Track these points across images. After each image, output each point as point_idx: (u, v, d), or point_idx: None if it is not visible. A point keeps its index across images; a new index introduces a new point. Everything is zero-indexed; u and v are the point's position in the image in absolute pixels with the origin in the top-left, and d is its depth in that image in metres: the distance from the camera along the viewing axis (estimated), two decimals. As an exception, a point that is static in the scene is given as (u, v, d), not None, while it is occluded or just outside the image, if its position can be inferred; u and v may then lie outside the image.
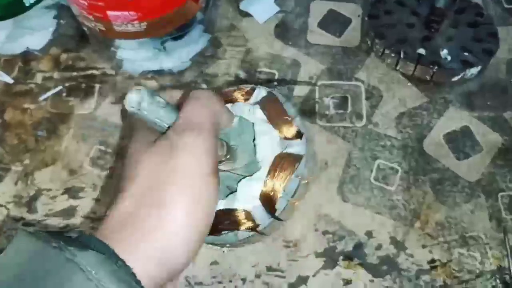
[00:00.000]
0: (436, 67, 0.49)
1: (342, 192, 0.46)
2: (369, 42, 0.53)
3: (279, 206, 0.32)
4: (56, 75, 0.53)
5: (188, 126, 0.26)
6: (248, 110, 0.33)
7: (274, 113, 0.33)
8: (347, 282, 0.42)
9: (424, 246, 0.43)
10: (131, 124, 0.29)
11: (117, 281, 0.21)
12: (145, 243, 0.24)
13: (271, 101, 0.33)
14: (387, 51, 0.51)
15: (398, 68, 0.51)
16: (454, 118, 0.49)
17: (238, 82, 0.52)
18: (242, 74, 0.52)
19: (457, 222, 0.44)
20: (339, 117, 0.49)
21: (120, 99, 0.51)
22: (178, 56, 0.51)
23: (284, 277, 0.42)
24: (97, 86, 0.52)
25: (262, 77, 0.52)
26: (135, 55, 0.51)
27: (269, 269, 0.42)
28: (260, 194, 0.31)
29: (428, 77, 0.50)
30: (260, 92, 0.34)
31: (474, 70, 0.49)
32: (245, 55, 0.53)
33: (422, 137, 0.48)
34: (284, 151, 0.32)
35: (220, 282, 0.42)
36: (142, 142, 0.27)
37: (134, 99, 0.24)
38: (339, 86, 0.51)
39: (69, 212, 0.45)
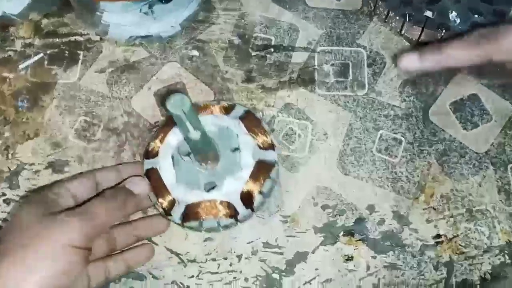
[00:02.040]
0: (444, 31, 0.46)
1: (343, 164, 0.44)
2: (371, 5, 0.50)
3: (256, 202, 0.39)
4: (36, 41, 0.49)
5: (83, 215, 0.34)
6: (233, 123, 0.41)
7: (253, 126, 0.41)
8: (348, 258, 0.40)
9: (428, 221, 0.41)
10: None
11: None
12: None
13: (250, 116, 0.42)
14: (391, 14, 0.48)
15: (403, 32, 0.48)
16: (462, 85, 0.47)
17: (232, 48, 0.49)
18: (236, 40, 0.49)
19: (464, 195, 0.42)
20: (340, 85, 0.47)
21: (107, 67, 0.48)
22: (167, 20, 0.48)
23: (282, 253, 0.41)
24: (81, 53, 0.49)
25: (258, 43, 0.49)
26: (121, 20, 0.48)
27: (266, 245, 0.41)
28: (242, 192, 0.39)
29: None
30: (239, 109, 0.42)
31: (484, 34, 0.46)
32: (239, 20, 0.50)
33: (427, 106, 0.46)
34: (262, 159, 0.40)
35: (214, 260, 0.41)
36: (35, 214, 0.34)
37: (178, 103, 0.30)
38: (339, 52, 0.48)
39: (54, 187, 0.43)
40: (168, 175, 0.40)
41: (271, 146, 0.41)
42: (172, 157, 0.40)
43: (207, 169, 0.40)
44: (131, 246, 0.40)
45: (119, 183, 0.39)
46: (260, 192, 0.39)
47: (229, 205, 0.39)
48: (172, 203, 0.39)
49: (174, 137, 0.41)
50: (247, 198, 0.39)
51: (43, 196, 0.36)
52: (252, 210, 0.39)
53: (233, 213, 0.39)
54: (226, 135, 0.41)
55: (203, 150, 0.37)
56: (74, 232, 0.32)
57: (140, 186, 0.39)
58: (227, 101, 0.45)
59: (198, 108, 0.42)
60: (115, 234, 0.39)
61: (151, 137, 0.42)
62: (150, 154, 0.41)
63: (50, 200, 0.35)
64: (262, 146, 0.41)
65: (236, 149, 0.40)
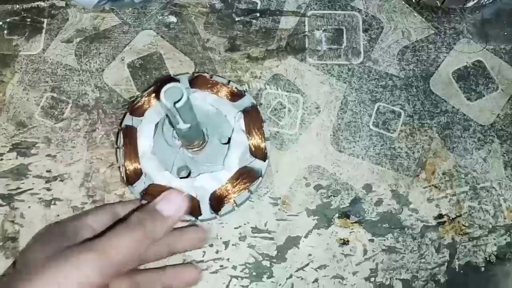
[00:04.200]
0: (448, -9, 0.42)
1: (337, 140, 0.41)
2: (367, -37, 0.46)
3: (224, 209, 0.36)
4: (-6, 8, 0.45)
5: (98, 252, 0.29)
6: (234, 115, 0.38)
7: (253, 126, 0.38)
8: (344, 242, 0.39)
9: (430, 200, 0.39)
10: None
11: None
12: None
13: (254, 113, 0.38)
14: (389, -27, 0.43)
15: (402, -7, 0.44)
16: (466, 52, 0.44)
17: (213, 13, 0.44)
18: (218, 4, 0.45)
19: (467, 172, 0.40)
20: (333, 54, 0.44)
21: (74, 36, 0.44)
22: (140, -18, 0.43)
23: (272, 238, 0.39)
24: (45, 21, 0.45)
25: (242, 7, 0.45)
26: (88, -18, 0.43)
27: (255, 230, 0.39)
28: (214, 193, 0.36)
29: (438, 3, 0.43)
30: (247, 101, 0.39)
31: (493, -7, 0.43)
32: (221, -19, 0.46)
33: (428, 75, 0.43)
34: (249, 165, 0.37)
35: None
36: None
37: (174, 96, 0.27)
38: (332, 16, 0.45)
39: (20, 172, 0.40)
40: (145, 142, 0.37)
41: (263, 155, 0.38)
42: (156, 125, 0.37)
43: (188, 153, 0.37)
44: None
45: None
46: (233, 201, 0.36)
47: (194, 202, 0.36)
48: (136, 172, 0.36)
49: None
50: (216, 202, 0.36)
51: (63, 229, 0.33)
52: (217, 215, 0.36)
53: (196, 211, 0.36)
54: (221, 123, 0.38)
55: (189, 137, 0.34)
56: (89, 268, 0.29)
57: (174, 206, 0.33)
58: (209, 72, 0.42)
59: (203, 81, 0.39)
60: (138, 279, 0.35)
61: (144, 91, 0.39)
62: (135, 110, 0.38)
63: (71, 232, 0.32)
64: (253, 149, 0.37)
65: (225, 143, 0.37)
